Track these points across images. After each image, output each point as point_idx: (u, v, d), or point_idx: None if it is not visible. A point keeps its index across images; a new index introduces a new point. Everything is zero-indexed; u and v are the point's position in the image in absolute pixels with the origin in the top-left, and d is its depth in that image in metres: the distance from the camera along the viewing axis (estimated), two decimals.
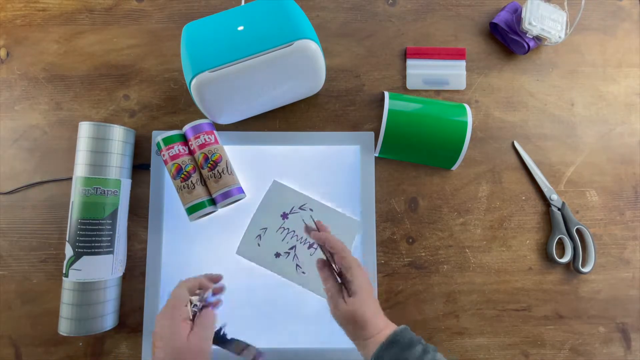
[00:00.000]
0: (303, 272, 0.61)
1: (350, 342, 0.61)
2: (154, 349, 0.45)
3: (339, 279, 0.51)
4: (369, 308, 0.48)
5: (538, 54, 0.69)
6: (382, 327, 0.47)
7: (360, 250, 0.63)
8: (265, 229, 0.63)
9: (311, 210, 0.63)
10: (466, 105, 0.64)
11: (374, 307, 0.49)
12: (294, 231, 0.63)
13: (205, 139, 0.59)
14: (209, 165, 0.59)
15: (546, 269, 0.64)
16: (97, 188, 0.57)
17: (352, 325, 0.48)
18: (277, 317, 0.60)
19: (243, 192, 0.61)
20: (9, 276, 0.62)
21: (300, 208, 0.63)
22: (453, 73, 0.67)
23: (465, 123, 0.62)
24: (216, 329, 0.50)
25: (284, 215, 0.63)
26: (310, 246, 0.63)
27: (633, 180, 0.66)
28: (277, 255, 0.62)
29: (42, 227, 0.63)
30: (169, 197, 0.63)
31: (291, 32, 0.54)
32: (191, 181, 0.59)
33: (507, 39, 0.68)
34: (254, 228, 0.63)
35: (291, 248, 0.62)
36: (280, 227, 0.63)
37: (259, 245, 0.62)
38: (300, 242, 0.63)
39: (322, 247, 0.52)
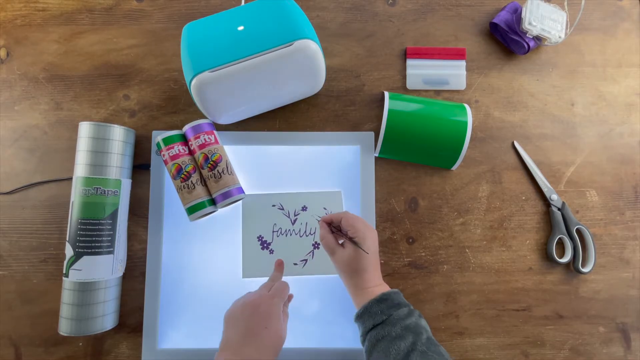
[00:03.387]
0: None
1: (350, 342, 0.61)
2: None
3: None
4: (369, 260, 0.52)
5: (538, 54, 0.69)
6: (378, 283, 0.53)
7: None
8: (262, 239, 0.63)
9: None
10: (466, 105, 0.64)
11: (374, 262, 0.53)
12: (287, 230, 0.63)
13: (205, 139, 0.59)
14: (209, 165, 0.59)
15: (546, 269, 0.64)
16: (97, 188, 0.57)
17: (350, 272, 0.52)
18: None
19: (243, 192, 0.61)
20: (9, 276, 0.62)
21: (279, 208, 0.64)
22: (453, 73, 0.67)
23: (465, 123, 0.62)
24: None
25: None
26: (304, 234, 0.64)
27: (633, 180, 0.66)
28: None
29: (42, 227, 0.63)
30: (169, 197, 0.63)
31: (291, 32, 0.54)
32: (191, 181, 0.59)
33: (507, 39, 0.68)
34: (250, 244, 0.63)
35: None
36: (273, 231, 0.63)
37: (270, 252, 0.63)
38: (300, 235, 0.63)
39: (332, 229, 0.55)
